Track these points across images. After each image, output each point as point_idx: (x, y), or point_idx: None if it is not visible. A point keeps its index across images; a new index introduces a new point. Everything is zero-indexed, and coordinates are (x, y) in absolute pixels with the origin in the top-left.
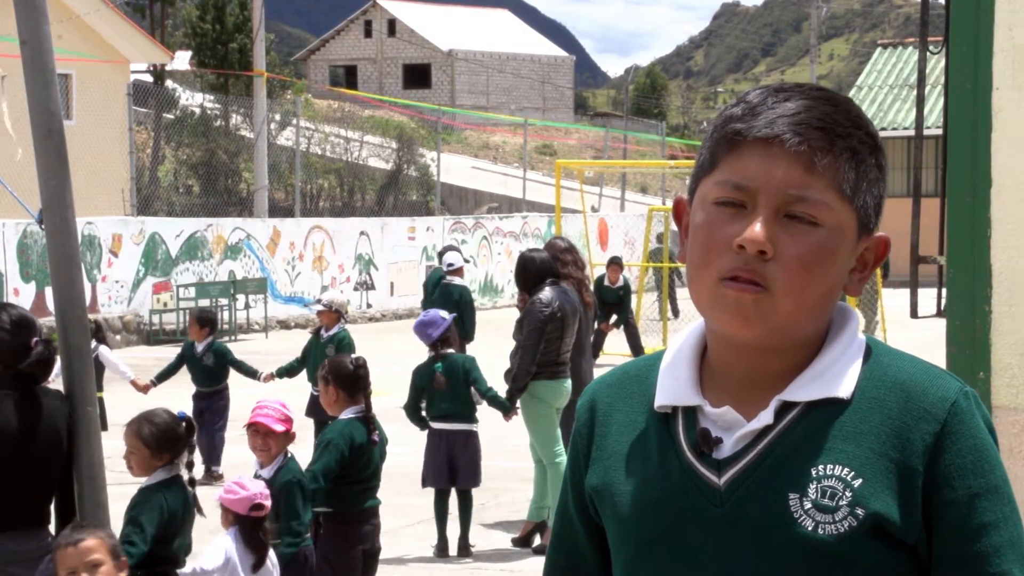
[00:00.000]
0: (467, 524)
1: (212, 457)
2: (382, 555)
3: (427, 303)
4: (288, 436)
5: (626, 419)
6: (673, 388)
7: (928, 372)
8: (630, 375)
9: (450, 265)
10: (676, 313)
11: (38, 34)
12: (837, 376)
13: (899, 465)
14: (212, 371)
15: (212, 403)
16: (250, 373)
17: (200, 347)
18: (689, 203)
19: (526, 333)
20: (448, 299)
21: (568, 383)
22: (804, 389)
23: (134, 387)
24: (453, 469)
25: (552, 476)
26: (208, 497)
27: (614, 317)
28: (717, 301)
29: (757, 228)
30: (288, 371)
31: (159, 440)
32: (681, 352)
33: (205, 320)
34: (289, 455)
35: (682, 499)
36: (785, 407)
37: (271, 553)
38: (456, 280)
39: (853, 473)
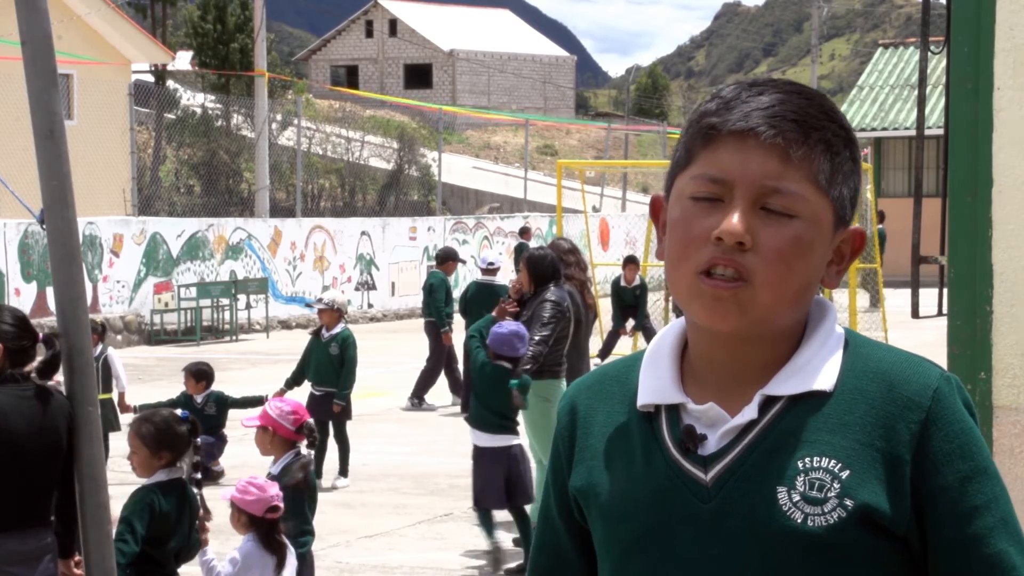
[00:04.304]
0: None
1: (211, 454)
2: (381, 555)
3: (467, 306)
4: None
5: (608, 420)
6: (655, 387)
7: (908, 360)
8: (609, 376)
9: (490, 264)
10: (679, 313)
11: (39, 34)
12: (818, 369)
13: (886, 455)
14: (215, 419)
15: (210, 450)
16: (256, 401)
17: (199, 398)
18: (665, 200)
19: (541, 325)
20: (495, 300)
21: (564, 383)
22: (786, 383)
23: (119, 399)
24: (507, 487)
25: None
26: (210, 496)
27: (631, 322)
28: (695, 295)
29: (735, 219)
30: (296, 380)
31: (157, 439)
32: (661, 350)
33: (201, 375)
34: (298, 453)
35: (669, 496)
36: (768, 402)
37: (290, 550)
38: (496, 280)
39: (840, 464)
